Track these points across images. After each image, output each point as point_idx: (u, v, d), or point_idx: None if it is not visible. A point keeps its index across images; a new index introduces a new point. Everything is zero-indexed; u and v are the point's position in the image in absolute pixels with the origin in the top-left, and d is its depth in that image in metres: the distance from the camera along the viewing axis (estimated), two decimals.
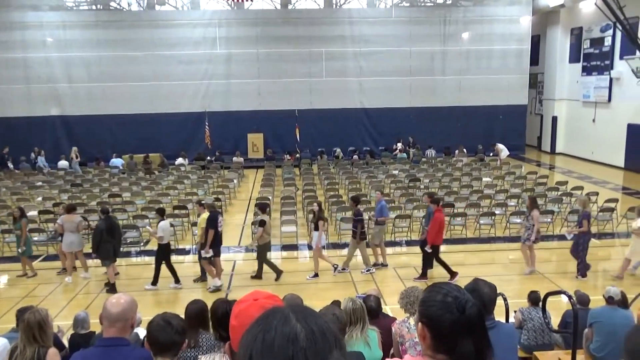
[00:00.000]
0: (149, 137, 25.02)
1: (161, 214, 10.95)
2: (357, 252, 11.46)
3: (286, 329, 1.21)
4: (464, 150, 24.31)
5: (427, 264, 10.94)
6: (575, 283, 10.44)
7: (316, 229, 11.11)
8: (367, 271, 11.31)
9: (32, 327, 4.04)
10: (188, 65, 25.40)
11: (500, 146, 23.55)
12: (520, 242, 11.38)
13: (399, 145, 25.08)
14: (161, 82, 25.41)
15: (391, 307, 8.81)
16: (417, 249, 11.94)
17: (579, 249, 10.77)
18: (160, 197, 16.73)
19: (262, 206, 11.42)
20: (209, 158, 24.17)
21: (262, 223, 10.92)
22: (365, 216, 12.44)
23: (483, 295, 3.19)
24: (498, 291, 4.08)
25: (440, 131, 26.34)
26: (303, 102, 25.89)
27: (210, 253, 10.69)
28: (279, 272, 11.05)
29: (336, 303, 5.45)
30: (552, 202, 15.55)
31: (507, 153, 23.56)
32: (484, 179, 19.15)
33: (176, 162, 23.14)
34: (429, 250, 10.73)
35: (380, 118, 26.61)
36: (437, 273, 11.14)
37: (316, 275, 11.15)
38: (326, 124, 26.02)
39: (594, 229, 14.08)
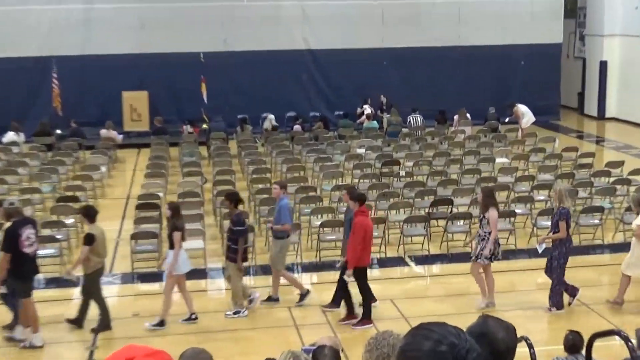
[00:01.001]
0: None
1: None
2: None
3: None
4: (467, 115, 24.62)
5: (342, 294, 11.13)
6: (637, 318, 10.82)
7: (171, 246, 11.09)
8: (234, 314, 11.46)
9: None
10: None
11: (523, 108, 23.96)
12: (471, 259, 11.68)
13: (367, 108, 25.14)
14: None
15: None
16: (392, 271, 12.12)
17: (553, 265, 11.23)
18: None
19: (88, 212, 11.33)
20: (59, 132, 23.61)
21: (88, 239, 10.81)
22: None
23: (496, 341, 3.22)
24: (519, 334, 4.17)
25: (430, 86, 26.55)
26: (212, 40, 25.58)
27: (2, 289, 10.47)
28: (106, 323, 11.00)
29: None
30: (601, 193, 16.01)
31: (533, 119, 23.98)
32: (497, 160, 19.46)
33: (4, 139, 22.48)
34: (349, 279, 10.91)
35: (336, 66, 26.56)
36: (422, 311, 11.28)
37: (192, 318, 11.21)
38: (250, 77, 25.79)
39: None
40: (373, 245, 14.00)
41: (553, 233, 11.27)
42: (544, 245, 11.58)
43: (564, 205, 11.27)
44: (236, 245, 11.31)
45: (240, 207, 11.98)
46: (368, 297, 11.16)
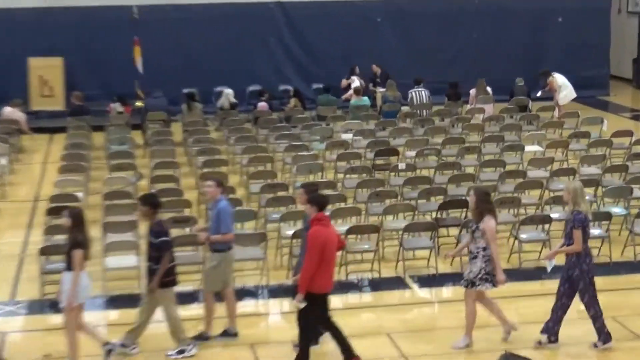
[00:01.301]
0: None
1: None
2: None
3: None
4: (488, 89, 24.67)
5: (307, 334, 10.97)
6: None
7: (69, 267, 10.97)
8: (177, 353, 11.42)
9: None
10: None
11: (560, 80, 24.06)
12: (462, 285, 11.58)
13: (355, 80, 25.15)
14: None
15: None
16: (388, 296, 12.08)
17: (579, 287, 11.18)
18: None
19: None
20: None
21: None
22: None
23: None
24: None
25: (439, 51, 26.62)
26: None
27: None
28: None
29: None
30: None
31: (574, 94, 24.12)
32: (527, 148, 19.56)
33: None
34: (300, 305, 10.73)
35: (315, 25, 26.75)
36: (427, 348, 11.21)
37: (109, 350, 11.11)
38: (200, 39, 25.92)
39: None
40: (363, 262, 14.04)
41: (567, 245, 11.22)
42: (553, 262, 11.44)
43: (580, 208, 11.14)
44: (155, 264, 11.17)
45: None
46: (338, 333, 10.94)
